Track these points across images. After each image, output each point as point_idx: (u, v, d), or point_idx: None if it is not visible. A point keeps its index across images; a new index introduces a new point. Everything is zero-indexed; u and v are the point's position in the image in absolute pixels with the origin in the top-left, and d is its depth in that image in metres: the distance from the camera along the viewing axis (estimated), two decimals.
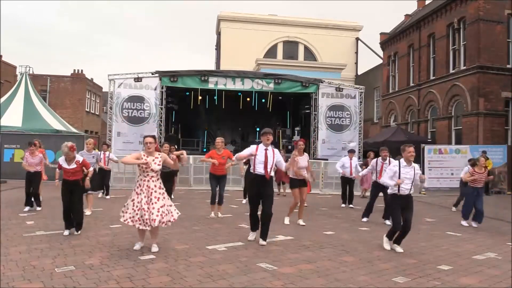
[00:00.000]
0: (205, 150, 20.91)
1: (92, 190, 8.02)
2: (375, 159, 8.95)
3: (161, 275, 4.42)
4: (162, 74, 16.90)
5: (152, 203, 5.24)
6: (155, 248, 5.38)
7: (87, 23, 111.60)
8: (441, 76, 21.07)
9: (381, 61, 29.46)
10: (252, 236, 6.20)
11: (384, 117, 27.53)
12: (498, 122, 18.56)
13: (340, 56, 32.27)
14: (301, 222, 7.70)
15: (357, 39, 34.37)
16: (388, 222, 7.99)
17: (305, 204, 7.83)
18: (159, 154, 5.50)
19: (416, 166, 5.91)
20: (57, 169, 6.81)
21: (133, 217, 5.27)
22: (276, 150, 6.16)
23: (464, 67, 19.50)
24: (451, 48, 20.71)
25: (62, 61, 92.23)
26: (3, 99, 18.53)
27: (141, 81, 16.69)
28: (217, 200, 8.34)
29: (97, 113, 37.07)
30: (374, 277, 4.56)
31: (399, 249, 5.81)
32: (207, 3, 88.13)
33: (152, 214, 5.20)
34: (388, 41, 27.47)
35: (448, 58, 20.85)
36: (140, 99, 16.65)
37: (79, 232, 6.40)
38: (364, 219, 8.56)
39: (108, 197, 10.99)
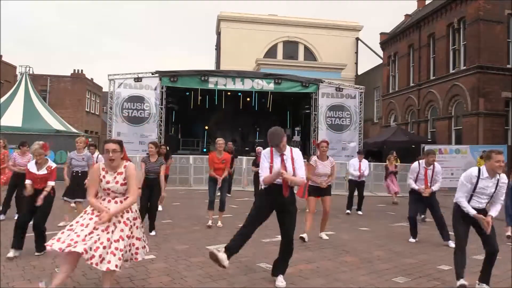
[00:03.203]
0: (205, 150, 20.91)
1: (70, 197, 6.86)
2: (416, 163, 6.89)
3: (161, 275, 4.42)
4: (162, 74, 16.90)
5: (104, 232, 3.48)
6: None
7: (87, 23, 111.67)
8: (441, 76, 21.07)
9: (381, 61, 29.46)
10: (222, 260, 4.12)
11: (384, 117, 27.53)
12: (498, 122, 18.57)
13: (340, 56, 32.26)
14: (323, 235, 6.65)
15: (357, 39, 34.37)
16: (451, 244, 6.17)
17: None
18: (125, 166, 3.70)
19: (502, 177, 4.23)
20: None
21: (63, 240, 3.37)
22: (295, 152, 4.39)
23: (464, 67, 19.50)
24: (451, 48, 20.71)
25: (62, 61, 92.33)
26: (3, 99, 18.53)
27: (141, 81, 16.69)
28: (219, 206, 7.54)
29: (97, 113, 37.07)
30: (374, 277, 4.56)
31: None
32: (207, 3, 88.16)
33: (84, 242, 3.33)
34: (388, 41, 27.47)
35: (448, 58, 20.85)
36: (140, 99, 16.65)
37: (43, 252, 4.99)
38: (451, 243, 6.19)
39: None
